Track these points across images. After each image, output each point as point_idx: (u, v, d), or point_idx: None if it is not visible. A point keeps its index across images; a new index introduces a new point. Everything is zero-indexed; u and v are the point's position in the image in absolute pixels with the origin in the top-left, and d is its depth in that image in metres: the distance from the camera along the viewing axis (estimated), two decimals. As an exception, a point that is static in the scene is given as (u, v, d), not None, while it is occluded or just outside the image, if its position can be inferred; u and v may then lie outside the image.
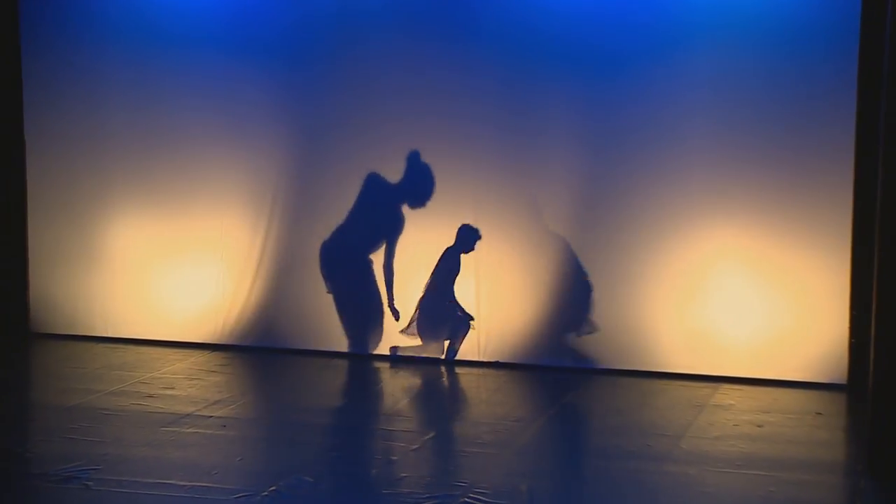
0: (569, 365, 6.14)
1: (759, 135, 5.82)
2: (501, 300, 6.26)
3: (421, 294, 6.29)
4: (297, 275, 6.51)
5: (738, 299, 5.90)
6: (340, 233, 6.40)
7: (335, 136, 6.40)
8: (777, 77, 5.76)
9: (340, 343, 6.47)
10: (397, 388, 5.94)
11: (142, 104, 6.60)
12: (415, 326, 6.29)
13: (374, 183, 6.33)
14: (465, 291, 6.29)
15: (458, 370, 6.20)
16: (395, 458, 4.72)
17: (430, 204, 6.29)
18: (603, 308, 6.09)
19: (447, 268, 6.25)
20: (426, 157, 6.27)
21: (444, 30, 6.21)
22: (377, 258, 6.38)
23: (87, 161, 6.71)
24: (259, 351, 6.53)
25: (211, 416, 5.18)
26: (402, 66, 6.26)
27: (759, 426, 5.16)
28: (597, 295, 6.09)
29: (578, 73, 6.03)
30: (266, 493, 4.19)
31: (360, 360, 6.37)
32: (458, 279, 6.26)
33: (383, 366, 6.26)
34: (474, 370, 6.19)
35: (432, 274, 6.25)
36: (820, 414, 5.38)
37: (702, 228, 5.93)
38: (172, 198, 6.63)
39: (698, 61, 5.86)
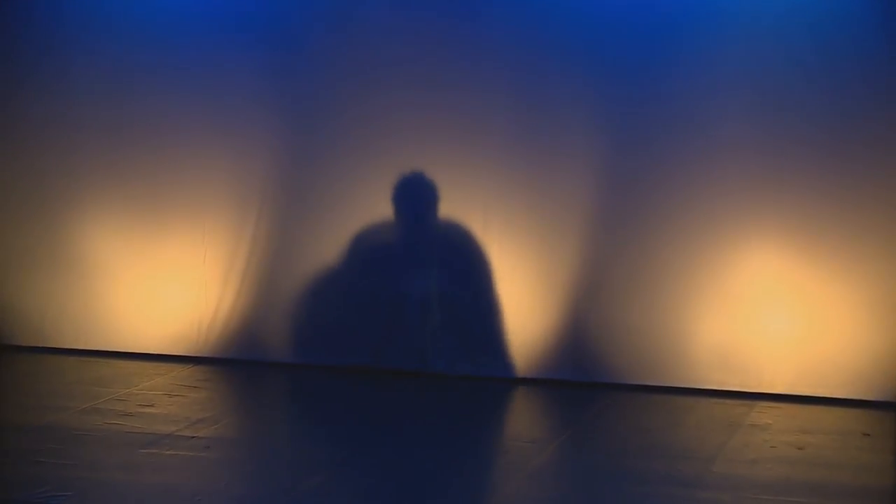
0: (589, 380, 6.12)
1: (802, 135, 5.80)
2: (514, 309, 6.25)
3: None
4: (287, 280, 6.49)
5: (777, 308, 5.86)
6: None
7: (329, 130, 6.37)
8: (826, 75, 5.72)
9: (334, 355, 6.47)
10: (396, 404, 5.94)
11: (116, 92, 6.55)
12: None
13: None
14: (474, 299, 6.32)
15: (464, 385, 6.19)
16: (390, 481, 4.70)
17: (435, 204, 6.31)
18: (626, 317, 6.07)
19: None
20: (430, 153, 6.27)
21: (451, 13, 6.19)
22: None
23: (55, 155, 6.65)
24: (246, 364, 6.52)
25: (193, 437, 5.14)
26: (404, 53, 6.23)
27: (799, 448, 5.12)
28: (620, 303, 6.07)
29: (600, 62, 6.00)
30: (254, 522, 4.18)
31: (357, 373, 6.37)
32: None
33: (379, 379, 6.27)
34: (483, 385, 6.19)
35: None
36: (868, 435, 5.34)
37: (736, 231, 5.90)
38: (150, 196, 6.59)
39: (737, 53, 5.82)
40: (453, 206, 6.25)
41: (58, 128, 6.64)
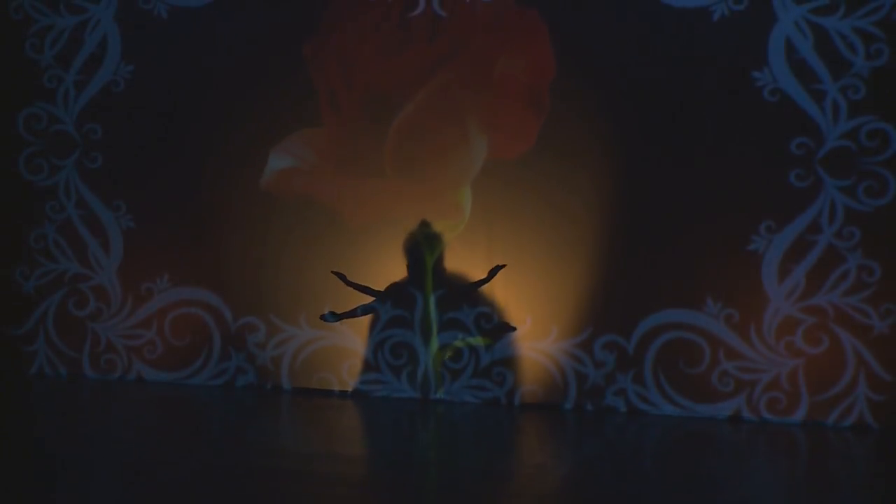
0: (598, 405, 6.16)
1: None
2: (518, 334, 6.30)
3: None
4: (288, 299, 6.54)
5: (797, 328, 5.91)
6: None
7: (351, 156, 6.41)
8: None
9: (335, 381, 6.50)
10: (393, 427, 5.95)
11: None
12: None
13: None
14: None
15: (465, 410, 6.21)
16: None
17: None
18: (636, 342, 6.09)
19: None
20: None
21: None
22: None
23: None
24: (239, 390, 6.56)
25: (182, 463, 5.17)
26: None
27: (813, 472, 5.14)
28: (629, 328, 6.09)
29: (617, 51, 6.05)
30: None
31: (354, 397, 6.40)
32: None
33: (382, 405, 6.31)
34: (485, 409, 6.22)
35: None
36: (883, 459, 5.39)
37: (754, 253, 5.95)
38: (147, 208, 6.68)
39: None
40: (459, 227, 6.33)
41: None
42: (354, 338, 6.44)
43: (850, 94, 5.77)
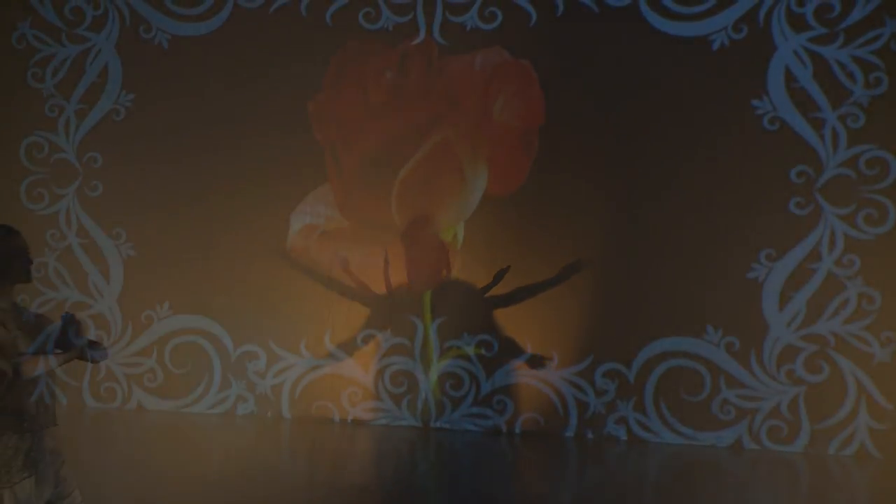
0: (599, 433, 6.16)
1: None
2: (520, 356, 6.31)
3: None
4: (288, 327, 6.54)
5: (797, 356, 5.91)
6: None
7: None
8: None
9: (335, 409, 6.50)
10: (394, 455, 5.95)
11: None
12: None
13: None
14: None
15: (466, 438, 6.21)
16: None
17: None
18: (637, 370, 6.09)
19: None
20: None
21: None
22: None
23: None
24: (239, 418, 6.56)
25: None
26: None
27: (815, 501, 5.12)
28: (630, 356, 6.09)
29: (615, 80, 6.10)
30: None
31: (354, 425, 6.41)
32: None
33: (383, 432, 6.30)
34: (486, 438, 6.22)
35: None
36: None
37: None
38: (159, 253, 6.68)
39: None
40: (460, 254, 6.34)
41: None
42: (355, 366, 6.43)
43: (850, 122, 5.79)
